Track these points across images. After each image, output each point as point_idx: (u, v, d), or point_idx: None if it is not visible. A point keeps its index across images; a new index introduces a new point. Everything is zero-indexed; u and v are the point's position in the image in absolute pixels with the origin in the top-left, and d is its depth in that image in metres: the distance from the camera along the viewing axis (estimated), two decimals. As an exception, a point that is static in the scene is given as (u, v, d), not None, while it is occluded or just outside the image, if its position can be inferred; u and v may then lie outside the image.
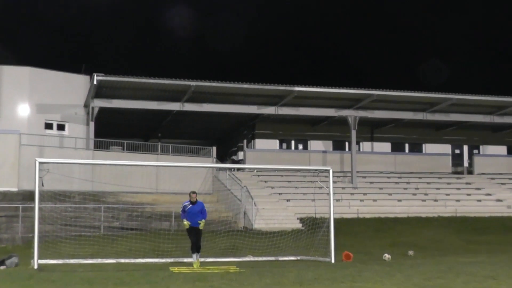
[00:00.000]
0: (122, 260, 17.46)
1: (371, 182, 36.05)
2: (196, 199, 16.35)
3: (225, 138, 45.89)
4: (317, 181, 19.87)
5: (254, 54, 74.61)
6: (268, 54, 76.61)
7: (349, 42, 78.41)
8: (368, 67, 73.09)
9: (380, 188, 35.03)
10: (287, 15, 78.62)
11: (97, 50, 74.40)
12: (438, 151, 41.51)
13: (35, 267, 15.24)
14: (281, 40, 78.78)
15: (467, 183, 37.33)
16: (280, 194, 32.25)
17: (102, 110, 33.00)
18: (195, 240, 16.37)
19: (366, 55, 77.28)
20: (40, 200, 16.13)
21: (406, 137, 42.10)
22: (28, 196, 25.95)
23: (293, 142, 40.85)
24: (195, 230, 16.38)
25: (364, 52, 76.64)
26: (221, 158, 39.57)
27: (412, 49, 78.37)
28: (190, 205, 16.31)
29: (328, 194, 18.74)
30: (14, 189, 28.19)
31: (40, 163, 16.20)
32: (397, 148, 41.81)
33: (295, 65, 75.60)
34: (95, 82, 30.17)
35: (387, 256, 19.48)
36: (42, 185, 16.17)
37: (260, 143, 39.54)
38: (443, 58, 73.34)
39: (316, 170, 21.79)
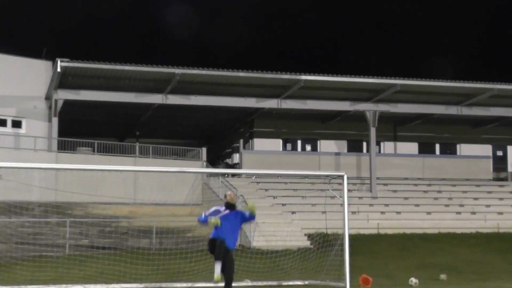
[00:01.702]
0: (92, 286, 17.38)
1: (394, 191, 36.00)
2: (235, 203, 13.04)
3: (217, 138, 45.80)
4: (328, 190, 19.80)
5: (256, 44, 74.78)
6: (272, 43, 76.80)
7: (367, 27, 78.53)
8: (388, 55, 73.11)
9: (405, 198, 34.98)
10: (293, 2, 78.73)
11: (63, 31, 74.22)
12: (476, 153, 41.42)
13: (-15, 294, 15.14)
14: (287, 27, 78.87)
15: (511, 192, 37.27)
16: (283, 205, 32.20)
17: (67, 103, 32.90)
18: (226, 267, 12.59)
19: (386, 41, 77.37)
20: (-9, 213, 16.02)
21: (437, 136, 42.03)
22: (-24, 208, 25.84)
23: (299, 143, 40.77)
24: (225, 251, 12.65)
25: (384, 37, 76.75)
26: (212, 161, 39.53)
27: (442, 35, 78.51)
28: (227, 211, 12.81)
29: (342, 205, 18.65)
30: (-40, 199, 28.11)
31: (-9, 167, 16.10)
32: (425, 149, 41.72)
33: (303, 54, 75.66)
34: (58, 69, 30.08)
35: (413, 280, 19.44)
36: (-6, 195, 16.07)
37: (259, 143, 39.47)
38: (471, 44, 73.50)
39: (327, 176, 21.74)
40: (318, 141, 40.71)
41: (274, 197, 33.08)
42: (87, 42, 71.89)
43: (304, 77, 32.68)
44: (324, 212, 27.40)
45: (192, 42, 76.25)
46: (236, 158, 41.39)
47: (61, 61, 29.91)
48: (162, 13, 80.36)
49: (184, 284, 17.24)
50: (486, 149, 42.19)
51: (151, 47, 75.59)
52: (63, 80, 31.92)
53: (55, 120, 32.52)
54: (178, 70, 31.21)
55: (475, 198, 35.73)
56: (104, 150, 33.50)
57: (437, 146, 42.38)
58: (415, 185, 37.35)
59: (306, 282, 18.94)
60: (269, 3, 78.67)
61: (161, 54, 72.71)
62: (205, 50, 73.79)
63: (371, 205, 33.69)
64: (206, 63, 29.55)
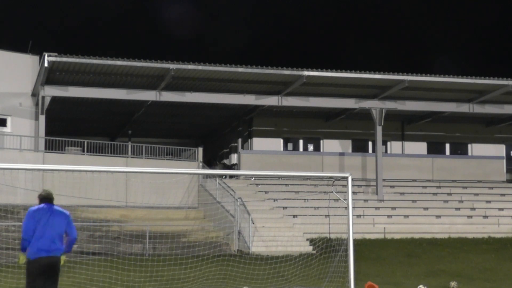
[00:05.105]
0: (81, 294, 17.37)
1: (402, 193, 36.02)
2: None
3: (214, 137, 45.83)
4: (332, 192, 19.79)
5: (257, 39, 74.86)
6: (274, 37, 76.88)
7: (373, 20, 78.54)
8: (396, 49, 73.13)
9: (413, 201, 34.99)
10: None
11: (52, 24, 74.21)
12: (488, 153, 41.44)
13: (-33, 303, 15.13)
14: (289, 20, 78.97)
15: (525, 195, 37.32)
16: (284, 208, 32.22)
17: (55, 100, 32.91)
18: None
19: (393, 34, 77.38)
20: (-26, 216, 16.02)
21: (447, 135, 42.07)
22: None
23: (301, 142, 40.79)
24: None
25: (391, 31, 76.77)
26: (209, 162, 39.55)
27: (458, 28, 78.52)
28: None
29: (347, 208, 18.63)
30: None
31: (-26, 168, 16.07)
32: (435, 149, 41.76)
33: (306, 49, 75.76)
34: (46, 64, 30.06)
35: (422, 288, 19.43)
36: (-23, 197, 16.07)
37: (259, 143, 39.49)
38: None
39: (331, 177, 21.71)
40: (321, 141, 40.73)
41: (274, 200, 33.09)
42: (78, 37, 72.04)
43: (306, 72, 32.68)
44: (327, 216, 27.39)
45: (191, 39, 76.49)
46: (234, 158, 41.40)
47: (48, 56, 29.88)
48: (160, 9, 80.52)
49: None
50: (499, 149, 42.22)
51: (148, 45, 75.85)
52: (51, 76, 31.91)
53: (42, 118, 32.50)
54: (172, 65, 31.20)
55: (488, 201, 35.73)
56: (94, 150, 33.49)
57: (447, 146, 42.41)
58: (424, 187, 37.36)
59: (308, 290, 18.94)
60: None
61: (158, 52, 72.98)
62: (204, 47, 74.00)
63: (377, 208, 33.70)
64: (206, 60, 29.53)
